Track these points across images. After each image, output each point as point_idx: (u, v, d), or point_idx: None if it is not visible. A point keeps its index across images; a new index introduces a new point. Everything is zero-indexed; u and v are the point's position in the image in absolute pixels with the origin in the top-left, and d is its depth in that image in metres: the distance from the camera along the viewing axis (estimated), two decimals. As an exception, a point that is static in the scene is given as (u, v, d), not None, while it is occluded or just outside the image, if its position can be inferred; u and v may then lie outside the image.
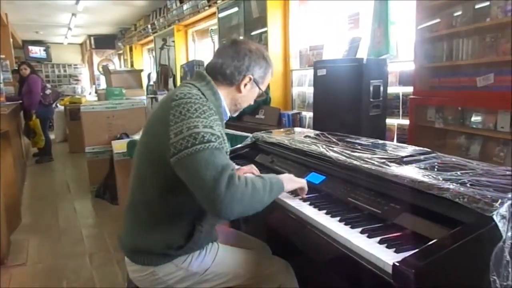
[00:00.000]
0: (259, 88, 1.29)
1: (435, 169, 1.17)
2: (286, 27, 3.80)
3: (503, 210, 0.82)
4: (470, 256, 0.82)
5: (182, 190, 1.06)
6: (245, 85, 1.24)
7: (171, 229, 1.16)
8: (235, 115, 1.35)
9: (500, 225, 0.81)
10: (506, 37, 1.85)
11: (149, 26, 7.78)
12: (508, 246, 0.81)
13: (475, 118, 2.03)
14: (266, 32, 3.80)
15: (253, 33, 4.19)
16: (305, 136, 1.84)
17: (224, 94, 1.24)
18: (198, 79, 1.23)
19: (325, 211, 1.17)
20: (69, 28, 9.21)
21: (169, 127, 1.05)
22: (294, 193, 1.32)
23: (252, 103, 1.36)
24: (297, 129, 2.40)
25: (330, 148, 1.49)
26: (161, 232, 1.15)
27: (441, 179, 1.04)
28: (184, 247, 1.16)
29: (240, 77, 1.22)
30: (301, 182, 1.28)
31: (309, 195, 1.31)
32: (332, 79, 2.52)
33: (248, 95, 1.28)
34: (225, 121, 1.29)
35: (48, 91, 5.62)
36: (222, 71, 1.22)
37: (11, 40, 7.12)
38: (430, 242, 0.81)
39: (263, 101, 3.81)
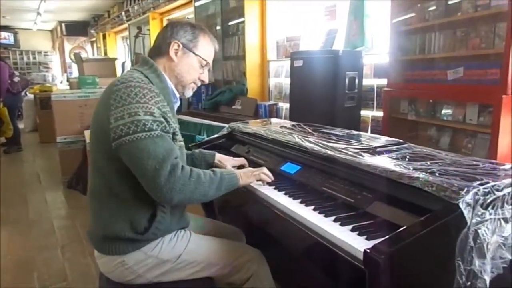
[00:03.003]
0: (195, 54, 1.26)
1: (406, 159, 1.20)
2: (263, 17, 3.78)
3: (469, 198, 0.86)
4: (437, 242, 0.85)
5: None
6: (176, 52, 1.24)
7: (135, 211, 1.15)
8: (188, 94, 1.31)
9: (465, 212, 0.84)
10: (476, 32, 1.91)
11: (123, 13, 7.54)
12: (472, 233, 0.84)
13: (445, 111, 2.10)
14: (243, 22, 3.77)
15: (230, 23, 4.15)
16: (281, 127, 1.85)
17: (162, 69, 1.24)
18: (141, 64, 1.25)
19: (299, 200, 1.19)
20: (39, 13, 8.81)
21: (109, 111, 1.07)
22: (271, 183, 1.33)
23: (204, 79, 1.31)
24: (273, 120, 2.41)
25: (305, 138, 1.51)
26: (125, 214, 1.15)
27: (411, 168, 1.07)
28: (149, 230, 1.15)
29: (166, 45, 1.24)
30: (259, 170, 1.31)
31: (284, 185, 1.32)
32: (308, 70, 2.53)
33: (183, 63, 1.25)
34: (177, 104, 1.30)
35: (16, 79, 5.43)
36: (153, 48, 1.27)
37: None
38: (400, 229, 0.84)
39: (240, 91, 3.80)
